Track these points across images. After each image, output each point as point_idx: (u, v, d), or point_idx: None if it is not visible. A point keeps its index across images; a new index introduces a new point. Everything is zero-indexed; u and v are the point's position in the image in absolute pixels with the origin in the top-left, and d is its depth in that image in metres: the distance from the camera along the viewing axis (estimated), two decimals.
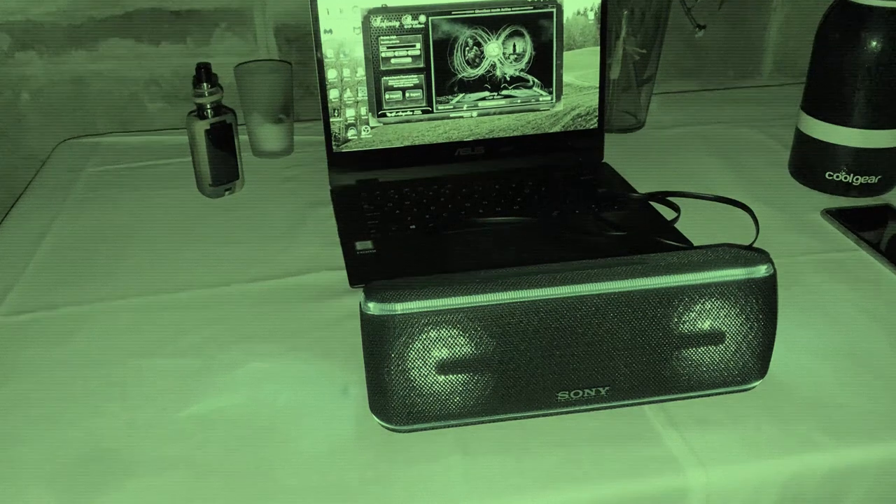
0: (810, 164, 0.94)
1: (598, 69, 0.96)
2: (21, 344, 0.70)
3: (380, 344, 0.56)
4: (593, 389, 0.59)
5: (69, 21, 1.10)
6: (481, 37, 0.92)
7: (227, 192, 0.95)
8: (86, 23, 1.10)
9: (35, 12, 1.09)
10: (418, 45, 0.92)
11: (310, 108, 1.11)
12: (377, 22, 0.90)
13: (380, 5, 0.89)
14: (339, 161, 0.95)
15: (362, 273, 0.78)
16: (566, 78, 0.96)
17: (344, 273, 0.78)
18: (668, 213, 0.88)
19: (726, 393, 0.62)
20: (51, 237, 0.87)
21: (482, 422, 0.59)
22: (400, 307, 0.56)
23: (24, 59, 1.11)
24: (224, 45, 1.14)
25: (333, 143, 0.94)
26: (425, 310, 0.56)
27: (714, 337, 0.59)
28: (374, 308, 0.56)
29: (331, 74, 0.91)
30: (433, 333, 0.56)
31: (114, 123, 1.17)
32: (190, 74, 0.90)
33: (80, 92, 1.14)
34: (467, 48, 0.93)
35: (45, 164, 1.06)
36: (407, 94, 0.93)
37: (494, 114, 0.96)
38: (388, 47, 0.91)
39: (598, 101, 0.98)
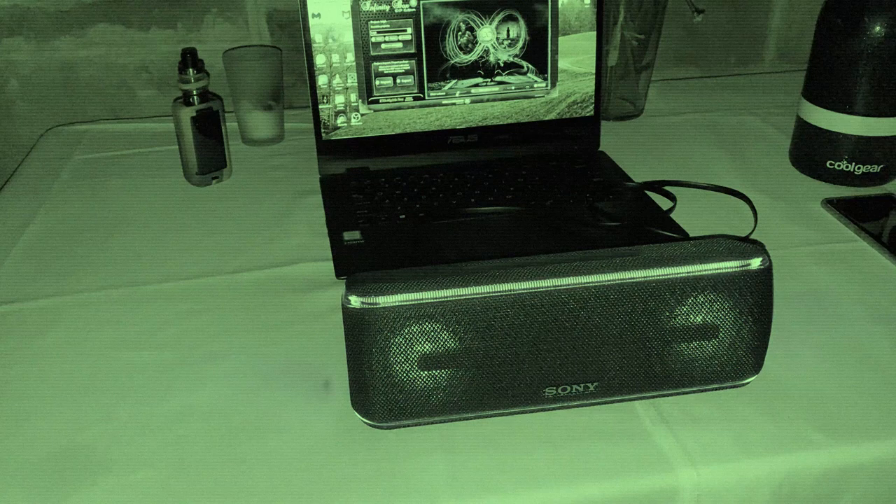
0: (811, 152, 0.92)
1: (594, 55, 0.94)
2: None
3: (361, 338, 0.54)
4: (581, 385, 0.57)
5: (57, 6, 1.08)
6: (474, 21, 0.90)
7: (214, 181, 0.93)
8: (74, 8, 1.08)
9: None
10: (409, 30, 0.90)
11: (302, 95, 1.09)
12: (367, 6, 0.88)
13: None
14: (329, 149, 0.93)
15: (349, 264, 0.76)
16: (561, 64, 0.94)
17: (331, 264, 0.77)
18: (664, 203, 0.86)
19: (719, 389, 0.60)
20: (34, 226, 0.86)
21: (467, 418, 0.58)
22: (382, 300, 0.54)
23: (12, 45, 1.10)
24: (215, 30, 1.12)
25: (322, 130, 0.92)
26: (408, 303, 0.54)
27: (707, 331, 0.57)
28: (355, 301, 0.54)
29: (319, 60, 0.89)
30: (416, 327, 0.54)
31: (103, 110, 1.15)
32: None
33: (69, 78, 1.12)
34: (460, 33, 0.90)
35: (32, 151, 1.05)
36: (398, 81, 0.91)
37: (488, 101, 0.94)
38: (379, 32, 0.89)
39: (594, 87, 0.95)
